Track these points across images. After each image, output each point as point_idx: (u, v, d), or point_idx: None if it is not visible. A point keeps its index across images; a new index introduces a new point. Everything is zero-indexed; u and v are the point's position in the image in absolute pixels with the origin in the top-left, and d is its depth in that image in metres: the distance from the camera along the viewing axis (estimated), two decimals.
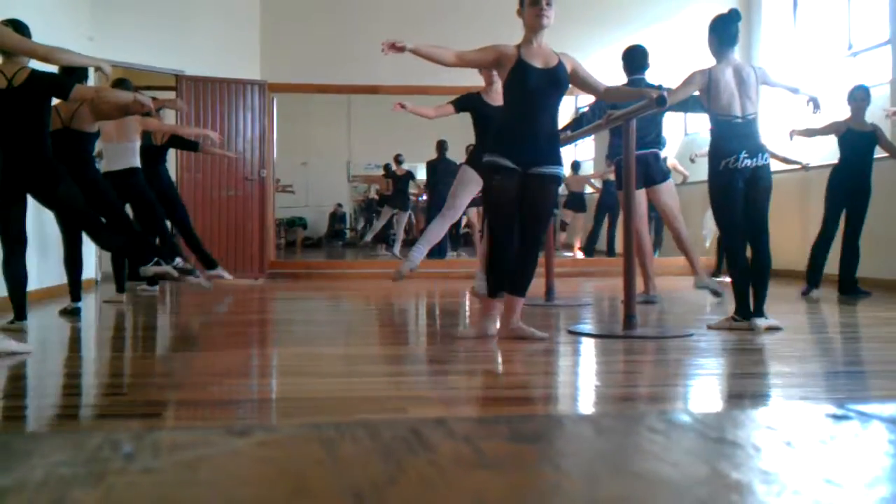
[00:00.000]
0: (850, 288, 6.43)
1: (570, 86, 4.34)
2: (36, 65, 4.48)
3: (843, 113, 6.56)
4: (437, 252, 11.62)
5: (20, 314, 4.50)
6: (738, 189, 4.48)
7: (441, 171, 11.47)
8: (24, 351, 3.74)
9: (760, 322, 4.41)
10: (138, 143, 6.35)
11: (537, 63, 4.09)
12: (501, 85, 4.32)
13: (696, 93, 4.61)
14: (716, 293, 5.97)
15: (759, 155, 4.48)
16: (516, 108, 4.12)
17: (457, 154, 12.73)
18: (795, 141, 7.02)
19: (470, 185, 5.50)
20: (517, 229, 4.17)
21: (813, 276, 6.47)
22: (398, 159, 13.29)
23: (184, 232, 7.01)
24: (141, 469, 0.73)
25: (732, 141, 4.48)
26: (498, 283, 4.16)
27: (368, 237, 13.25)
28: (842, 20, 8.58)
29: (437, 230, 5.64)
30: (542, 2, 4.05)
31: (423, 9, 9.37)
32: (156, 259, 4.70)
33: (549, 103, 4.12)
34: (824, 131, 6.59)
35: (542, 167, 4.08)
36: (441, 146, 11.41)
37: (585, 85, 4.29)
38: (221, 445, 0.80)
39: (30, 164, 4.39)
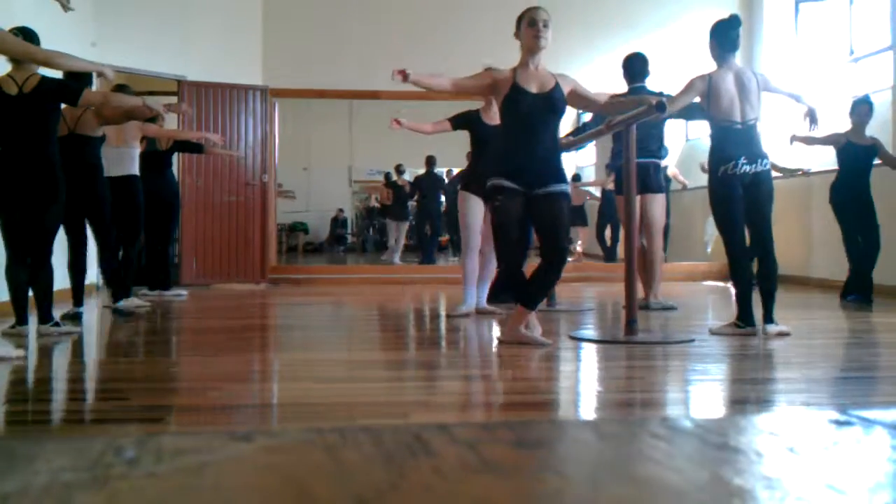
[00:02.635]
0: (862, 288, 6.39)
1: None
2: (46, 72, 4.49)
3: (843, 120, 6.56)
4: (426, 259, 11.73)
5: (21, 319, 4.51)
6: (739, 196, 4.48)
7: (428, 184, 11.62)
8: (15, 356, 3.72)
9: (771, 328, 4.45)
10: (137, 150, 6.36)
11: (532, 88, 4.07)
12: (498, 108, 4.32)
13: (697, 99, 4.61)
14: (670, 308, 5.95)
15: (759, 161, 4.48)
16: (513, 133, 4.11)
17: (454, 162, 12.79)
18: (795, 146, 7.02)
19: (474, 209, 5.50)
20: (522, 250, 4.18)
21: (856, 284, 6.40)
22: (399, 169, 13.31)
23: (162, 244, 7.02)
24: (144, 474, 0.73)
25: (731, 147, 4.48)
26: (525, 297, 4.13)
27: (396, 260, 12.97)
28: (843, 26, 8.59)
29: (470, 266, 5.60)
30: (539, 23, 4.04)
31: (424, 15, 9.40)
32: (55, 321, 4.62)
33: (546, 127, 4.10)
34: (824, 142, 6.59)
35: (545, 188, 4.07)
36: (430, 161, 11.51)
37: (585, 103, 4.29)
38: (224, 450, 0.80)
39: (36, 170, 4.40)
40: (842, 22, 8.62)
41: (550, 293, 6.03)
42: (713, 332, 4.54)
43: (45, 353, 4.19)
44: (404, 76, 3.98)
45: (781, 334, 4.43)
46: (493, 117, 5.54)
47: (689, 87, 4.57)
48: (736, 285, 4.57)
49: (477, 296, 5.67)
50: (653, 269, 6.07)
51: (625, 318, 4.43)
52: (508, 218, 4.07)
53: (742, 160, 4.43)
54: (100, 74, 4.64)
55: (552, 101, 4.06)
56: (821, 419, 0.97)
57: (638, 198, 5.97)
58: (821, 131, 6.39)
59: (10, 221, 4.46)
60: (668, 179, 7.68)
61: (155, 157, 6.83)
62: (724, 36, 4.59)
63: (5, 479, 0.71)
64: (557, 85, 4.10)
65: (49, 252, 4.54)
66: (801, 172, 7.90)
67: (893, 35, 7.51)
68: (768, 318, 4.48)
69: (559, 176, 4.13)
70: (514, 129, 4.09)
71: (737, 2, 9.32)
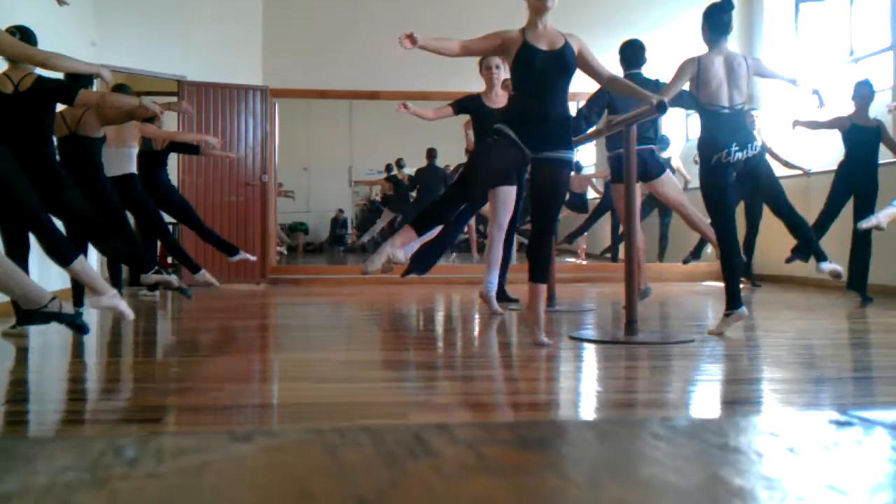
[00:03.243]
0: (859, 286, 6.38)
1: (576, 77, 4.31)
2: (43, 71, 4.49)
3: (846, 113, 6.57)
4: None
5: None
6: (731, 183, 4.50)
7: (429, 177, 11.63)
8: (128, 316, 4.24)
9: (825, 265, 4.59)
10: (136, 150, 6.37)
11: (543, 45, 4.05)
12: (509, 71, 4.29)
13: (687, 85, 4.62)
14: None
15: (750, 145, 4.48)
16: (524, 92, 4.08)
17: (452, 158, 12.81)
18: (798, 132, 6.98)
19: None
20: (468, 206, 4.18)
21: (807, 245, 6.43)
22: (399, 163, 13.38)
23: (199, 231, 7.03)
24: (145, 474, 0.73)
25: (721, 133, 4.48)
26: (421, 225, 4.09)
27: (366, 238, 13.46)
28: (843, 26, 8.59)
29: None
30: None
31: (425, 15, 9.39)
32: (156, 267, 4.75)
33: (557, 86, 4.06)
34: (828, 125, 6.59)
35: (551, 152, 4.04)
36: (431, 153, 11.53)
37: (590, 69, 4.23)
38: (224, 451, 0.80)
39: (33, 168, 4.40)
40: (842, 22, 8.61)
41: (551, 293, 6.05)
42: (711, 332, 4.54)
43: (43, 353, 4.20)
44: (412, 40, 3.96)
45: (835, 272, 4.55)
46: (496, 100, 5.54)
47: (681, 71, 4.56)
48: (726, 272, 4.55)
49: (487, 281, 5.66)
50: (700, 228, 6.06)
51: (625, 318, 4.43)
52: (488, 164, 4.04)
53: (734, 147, 4.44)
54: (98, 76, 4.64)
55: (563, 59, 4.03)
56: (821, 419, 0.97)
57: (639, 186, 5.98)
58: (825, 114, 6.40)
59: (8, 220, 4.47)
60: (663, 165, 7.67)
61: (150, 157, 6.83)
62: (717, 19, 4.60)
63: (5, 479, 0.71)
64: (567, 43, 4.07)
65: (95, 229, 4.62)
66: (802, 172, 7.91)
67: (893, 35, 7.51)
68: (821, 258, 4.58)
69: (565, 142, 4.08)
70: (525, 88, 4.07)
71: (737, 1, 9.32)
